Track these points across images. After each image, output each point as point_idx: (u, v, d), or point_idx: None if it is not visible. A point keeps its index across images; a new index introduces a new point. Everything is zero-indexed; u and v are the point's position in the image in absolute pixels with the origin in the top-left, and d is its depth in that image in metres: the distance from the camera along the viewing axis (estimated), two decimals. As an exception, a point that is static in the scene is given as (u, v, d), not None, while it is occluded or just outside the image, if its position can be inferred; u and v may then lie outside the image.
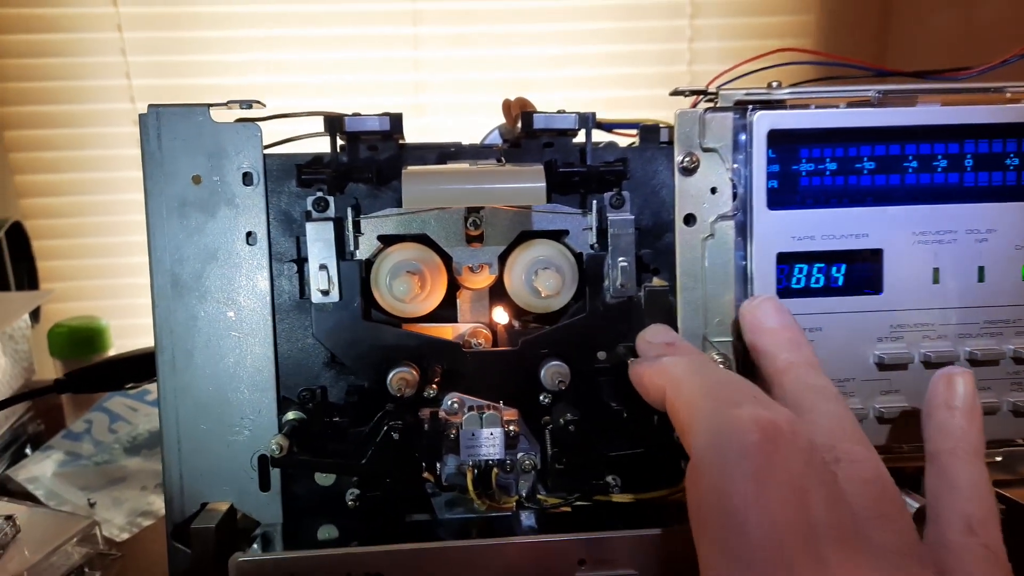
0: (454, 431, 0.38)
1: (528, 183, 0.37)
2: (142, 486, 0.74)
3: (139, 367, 0.58)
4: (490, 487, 0.39)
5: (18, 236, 1.15)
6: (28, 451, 0.81)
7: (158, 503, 0.69)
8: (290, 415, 0.40)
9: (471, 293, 0.45)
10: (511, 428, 0.39)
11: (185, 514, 0.41)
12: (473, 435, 0.38)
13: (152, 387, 0.91)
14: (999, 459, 0.43)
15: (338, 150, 0.40)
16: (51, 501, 0.69)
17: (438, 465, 0.38)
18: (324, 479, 0.42)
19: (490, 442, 0.39)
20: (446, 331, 0.43)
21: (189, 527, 0.39)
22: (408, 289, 0.38)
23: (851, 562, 0.27)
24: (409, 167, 0.37)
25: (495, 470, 0.39)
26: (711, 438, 0.29)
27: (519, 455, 0.40)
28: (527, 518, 0.41)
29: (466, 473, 0.38)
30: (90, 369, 0.57)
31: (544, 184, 0.37)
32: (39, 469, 0.75)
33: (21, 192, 1.37)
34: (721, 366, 0.40)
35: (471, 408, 0.40)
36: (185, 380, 0.41)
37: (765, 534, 0.26)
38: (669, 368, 0.35)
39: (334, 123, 0.39)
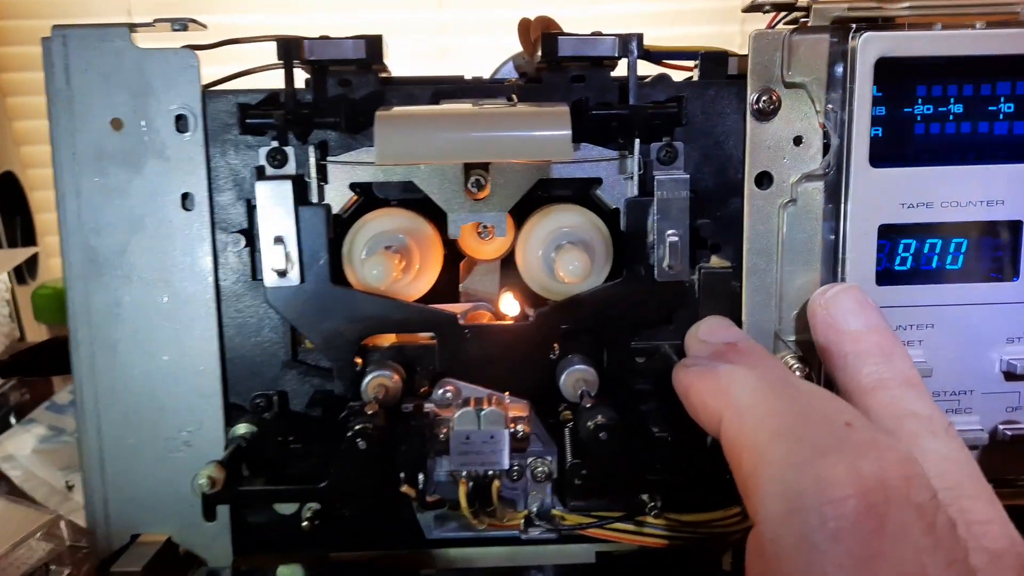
0: (445, 430, 0.29)
1: (547, 131, 0.27)
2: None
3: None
4: (490, 503, 0.30)
5: (12, 187, 1.07)
6: (12, 420, 0.74)
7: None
8: (240, 428, 0.32)
9: (477, 270, 0.35)
10: (519, 428, 0.30)
11: (112, 548, 0.33)
12: (468, 438, 0.29)
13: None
14: None
15: (295, 85, 0.30)
16: (27, 483, 0.62)
17: (421, 476, 0.29)
18: (285, 506, 0.33)
19: (490, 448, 0.30)
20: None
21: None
22: (383, 273, 0.28)
23: None
24: (384, 109, 0.27)
25: (496, 482, 0.30)
26: (787, 505, 0.21)
27: (530, 460, 0.31)
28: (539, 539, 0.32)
29: (459, 487, 0.29)
30: (39, 349, 0.49)
31: (569, 132, 0.27)
32: (17, 445, 0.68)
33: (20, 139, 1.28)
34: (801, 378, 0.30)
35: (467, 402, 0.31)
36: (108, 382, 0.32)
37: None
38: (728, 385, 0.25)
39: (291, 49, 0.29)
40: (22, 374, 0.51)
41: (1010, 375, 0.33)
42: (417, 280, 0.32)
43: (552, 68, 0.31)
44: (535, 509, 0.32)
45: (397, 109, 0.28)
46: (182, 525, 0.33)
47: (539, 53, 0.31)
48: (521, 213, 0.33)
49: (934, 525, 0.21)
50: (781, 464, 0.22)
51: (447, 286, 0.35)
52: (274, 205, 0.30)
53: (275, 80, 0.31)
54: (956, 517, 0.23)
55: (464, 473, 0.30)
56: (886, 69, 0.31)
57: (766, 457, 0.22)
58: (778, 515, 0.21)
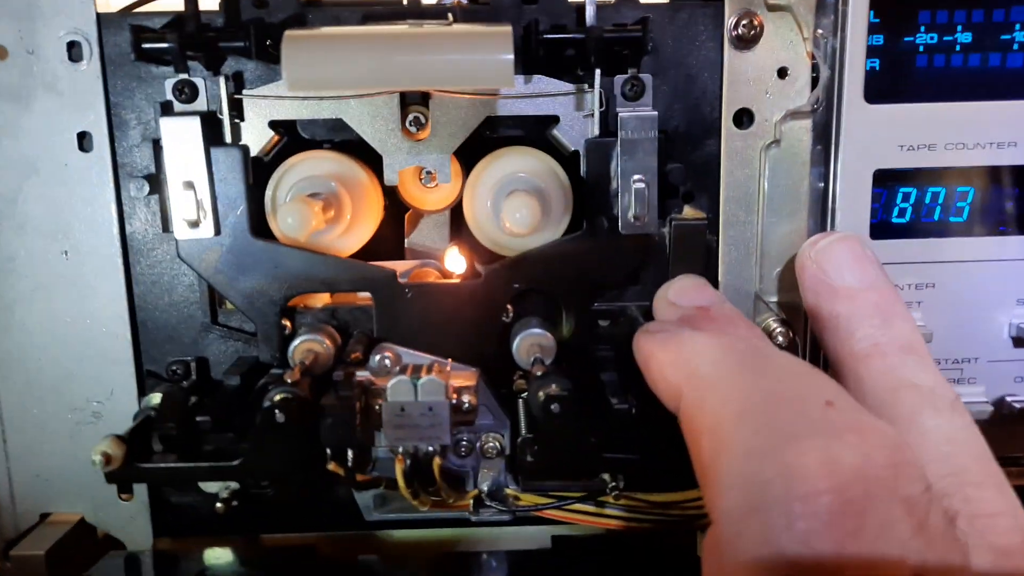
0: (380, 402, 0.26)
1: (484, 54, 0.23)
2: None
3: None
4: (432, 482, 0.27)
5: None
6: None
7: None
8: (154, 397, 0.28)
9: (424, 222, 0.31)
10: (465, 399, 0.27)
11: (19, 528, 0.30)
12: (403, 411, 0.26)
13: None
14: None
15: (199, 6, 0.26)
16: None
17: (350, 452, 0.26)
18: (209, 483, 0.30)
19: (429, 421, 0.26)
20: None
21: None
22: (299, 222, 0.25)
23: None
24: (292, 30, 0.23)
25: (438, 460, 0.27)
26: (749, 499, 0.18)
27: (480, 435, 0.28)
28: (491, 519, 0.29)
29: (395, 465, 0.26)
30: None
31: (511, 56, 0.23)
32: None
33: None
34: (780, 349, 0.26)
35: (404, 369, 0.27)
36: (5, 347, 0.29)
37: None
38: (691, 356, 0.22)
39: (190, -39, 0.25)
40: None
41: (1020, 340, 0.29)
42: (350, 233, 0.29)
43: (500, -13, 0.27)
44: (486, 488, 0.29)
45: (306, 31, 0.24)
46: (96, 504, 0.30)
47: (486, -30, 0.27)
48: (471, 157, 0.29)
49: (926, 523, 0.18)
50: (744, 451, 0.18)
51: (392, 241, 0.32)
52: (182, 145, 0.26)
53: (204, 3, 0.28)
54: (959, 508, 0.19)
55: (400, 449, 0.27)
56: (885, -10, 0.27)
57: (727, 442, 0.19)
58: (738, 512, 0.18)
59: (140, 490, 0.30)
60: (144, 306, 0.29)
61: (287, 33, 0.23)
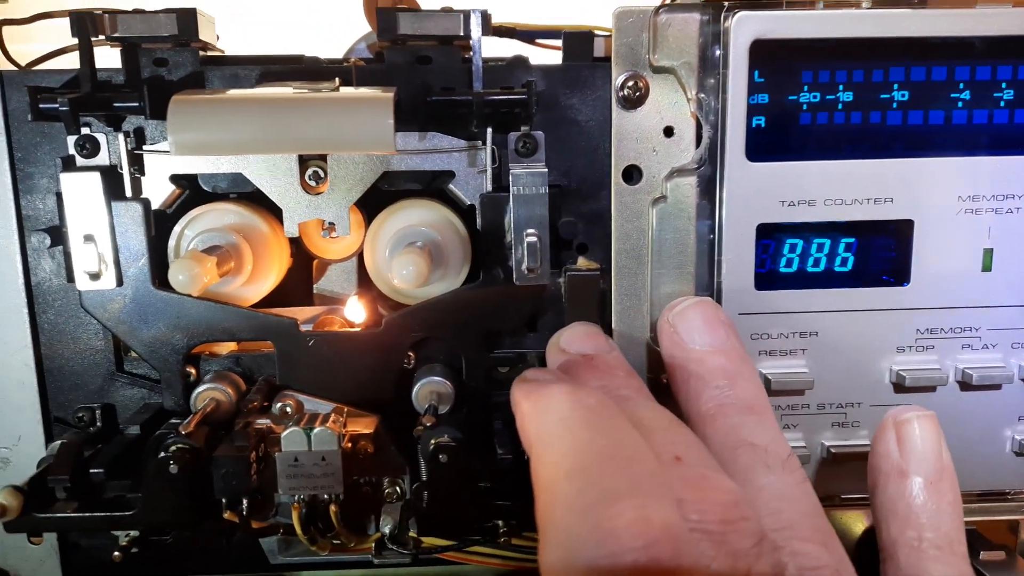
0: (278, 450, 0.27)
1: (366, 120, 0.24)
2: None
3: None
4: (332, 527, 0.28)
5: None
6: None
7: None
8: (60, 443, 0.28)
9: (331, 270, 0.32)
10: (363, 446, 0.28)
11: (-72, 573, 0.30)
12: (296, 460, 0.27)
13: None
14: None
15: (95, 64, 0.26)
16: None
17: (245, 501, 0.26)
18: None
19: (322, 470, 0.27)
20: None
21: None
22: (189, 279, 0.25)
23: None
24: (180, 94, 0.24)
25: (334, 507, 0.28)
26: (565, 555, 0.19)
27: (381, 480, 0.29)
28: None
29: (291, 512, 0.27)
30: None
31: (391, 122, 0.24)
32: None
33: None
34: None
35: (299, 419, 0.28)
36: (-89, 394, 0.29)
37: None
38: (544, 409, 0.23)
39: (85, 24, 0.26)
40: None
41: (899, 386, 0.30)
42: (253, 283, 0.30)
43: (395, 47, 0.28)
44: (387, 531, 0.30)
45: (191, 95, 0.24)
46: (6, 547, 0.30)
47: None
48: (372, 208, 0.30)
49: (750, 574, 0.19)
50: (566, 509, 0.19)
51: (302, 286, 0.32)
52: (84, 199, 0.27)
53: (103, 59, 0.28)
54: (787, 561, 0.20)
55: (296, 497, 0.27)
56: (766, 52, 0.28)
57: (556, 499, 0.20)
58: (557, 566, 0.19)
59: (49, 534, 0.30)
60: (50, 354, 0.30)
61: (174, 98, 0.24)
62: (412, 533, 0.30)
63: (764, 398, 0.25)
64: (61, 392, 0.30)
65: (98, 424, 0.29)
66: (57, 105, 0.25)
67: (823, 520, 0.22)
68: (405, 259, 0.26)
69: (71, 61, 0.29)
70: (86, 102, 0.26)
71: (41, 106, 0.26)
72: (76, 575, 0.31)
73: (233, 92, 0.25)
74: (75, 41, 0.29)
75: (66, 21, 0.28)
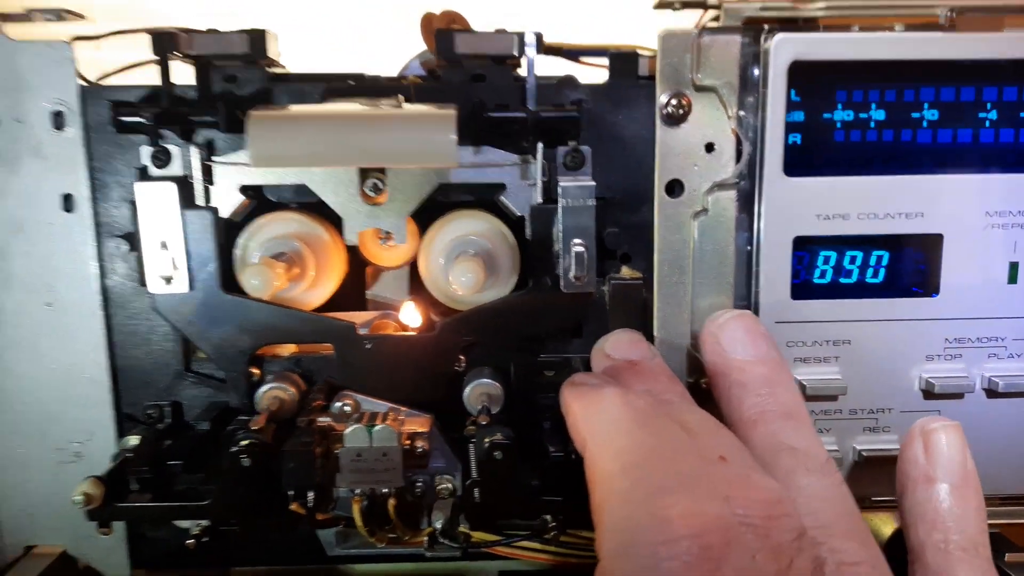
0: (339, 447, 0.28)
1: (430, 135, 0.25)
2: None
3: None
4: (388, 521, 0.29)
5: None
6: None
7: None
8: (131, 439, 0.30)
9: (384, 277, 0.34)
10: (419, 444, 0.29)
11: (5, 560, 0.32)
12: (359, 456, 0.28)
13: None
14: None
15: (172, 81, 0.28)
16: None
17: (311, 494, 0.28)
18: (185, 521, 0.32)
19: (383, 465, 0.28)
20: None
21: (-1, 581, 0.29)
22: (263, 283, 0.27)
23: None
24: (257, 110, 0.26)
25: (392, 500, 0.29)
26: (624, 540, 0.21)
27: (434, 477, 0.30)
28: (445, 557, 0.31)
29: (352, 506, 0.29)
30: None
31: (453, 136, 0.25)
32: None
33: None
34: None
35: (359, 418, 0.29)
36: (-7, 391, 0.31)
37: None
38: (597, 411, 0.24)
39: (165, 43, 0.28)
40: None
41: (928, 393, 0.31)
42: (315, 288, 0.31)
43: (451, 66, 0.30)
44: (439, 526, 0.31)
45: (268, 111, 0.26)
46: (77, 537, 0.32)
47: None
48: (426, 218, 0.32)
49: (791, 567, 0.20)
50: (623, 499, 0.21)
51: (356, 292, 0.34)
52: (157, 208, 0.29)
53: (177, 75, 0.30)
54: (827, 557, 0.22)
55: (357, 491, 0.29)
56: (803, 72, 0.29)
57: (612, 491, 0.22)
58: (614, 551, 0.21)
59: (119, 525, 0.32)
60: (122, 354, 0.31)
61: (251, 113, 0.26)
62: (463, 528, 0.32)
63: (802, 405, 0.26)
64: (131, 390, 0.32)
65: (167, 420, 0.31)
66: (141, 119, 0.27)
67: (859, 520, 0.23)
68: (464, 266, 0.28)
69: (137, 75, 0.31)
70: (167, 116, 0.28)
71: (123, 119, 0.28)
72: (142, 564, 0.33)
73: (305, 107, 0.27)
74: (142, 57, 0.31)
75: (133, 37, 0.31)
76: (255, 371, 0.31)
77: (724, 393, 0.27)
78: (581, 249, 0.29)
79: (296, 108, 0.27)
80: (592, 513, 0.22)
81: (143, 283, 0.31)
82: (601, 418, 0.24)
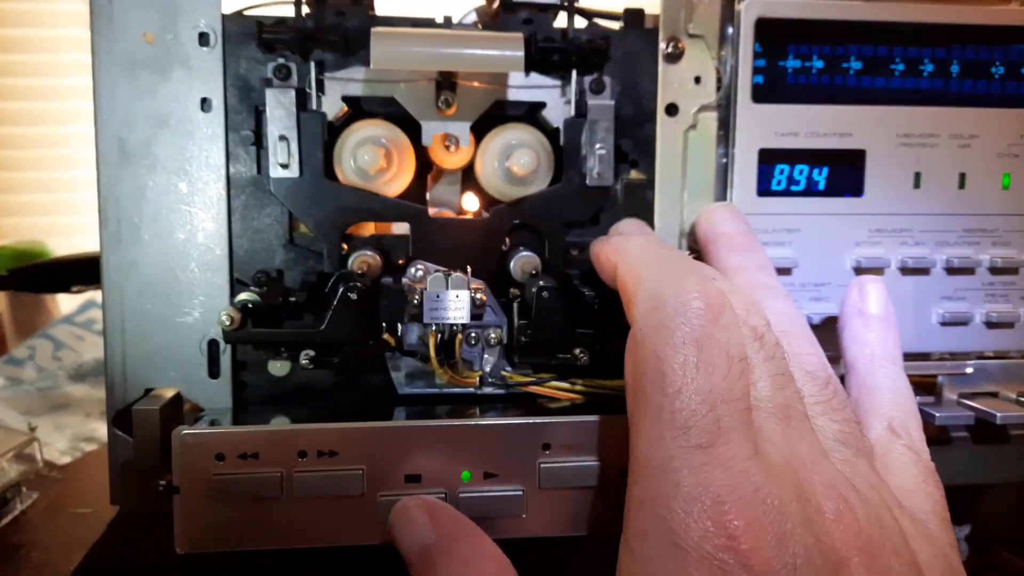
0: (418, 297, 0.36)
1: (507, 50, 0.35)
2: (86, 413, 0.71)
3: (86, 268, 0.55)
4: (453, 355, 0.37)
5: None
6: (-30, 375, 0.77)
7: (102, 430, 0.66)
8: (243, 295, 0.38)
9: (443, 179, 0.43)
10: (479, 296, 0.37)
11: (127, 400, 0.38)
12: (438, 297, 0.36)
13: (98, 314, 0.87)
14: (969, 371, 0.43)
15: (302, 14, 0.37)
16: (-10, 425, 0.66)
17: (399, 328, 0.36)
18: (278, 368, 0.40)
19: (456, 305, 0.37)
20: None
21: (131, 411, 0.36)
22: (374, 159, 0.36)
23: (787, 437, 0.27)
24: (379, 28, 0.35)
25: (459, 337, 0.37)
26: (652, 304, 0.28)
27: (485, 329, 0.38)
28: (491, 395, 0.39)
29: (428, 340, 0.36)
30: (35, 268, 0.54)
31: (523, 52, 0.35)
32: (-23, 394, 0.72)
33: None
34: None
35: (436, 270, 0.38)
36: (131, 256, 0.38)
37: (703, 399, 0.25)
38: (622, 244, 0.33)
39: (299, -19, 0.36)
40: (19, 288, 0.55)
41: (858, 270, 0.42)
42: (394, 181, 0.40)
43: (507, 11, 0.39)
44: (488, 369, 0.40)
45: (387, 28, 0.35)
46: (189, 382, 0.39)
47: (496, 2, 0.39)
48: (480, 132, 0.41)
49: (762, 336, 0.28)
50: (651, 280, 0.29)
51: (417, 195, 0.42)
52: (280, 109, 0.37)
53: (277, 12, 0.39)
54: (786, 347, 0.29)
55: (433, 327, 0.37)
56: (765, 28, 0.40)
57: (643, 278, 0.29)
58: (645, 311, 0.27)
59: (225, 373, 0.39)
60: (238, 229, 0.39)
61: (374, 30, 0.35)
62: (506, 372, 0.40)
63: (771, 263, 0.36)
64: (244, 258, 0.39)
65: (274, 281, 0.39)
66: (285, 37, 0.36)
67: (810, 331, 0.32)
68: (522, 151, 0.37)
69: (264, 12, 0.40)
70: (305, 36, 0.36)
71: (265, 36, 0.36)
72: (240, 405, 0.40)
73: (411, 29, 0.36)
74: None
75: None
76: (344, 246, 0.39)
77: (714, 254, 0.37)
78: (603, 151, 0.39)
79: (404, 28, 0.36)
80: (626, 301, 0.30)
81: (259, 171, 0.39)
82: (630, 246, 0.33)
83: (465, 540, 0.30)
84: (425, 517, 0.30)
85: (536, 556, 0.32)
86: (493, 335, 0.39)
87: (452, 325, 0.37)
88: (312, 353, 0.37)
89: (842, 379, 0.34)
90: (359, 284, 0.36)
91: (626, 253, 0.32)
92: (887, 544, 0.26)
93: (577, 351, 0.38)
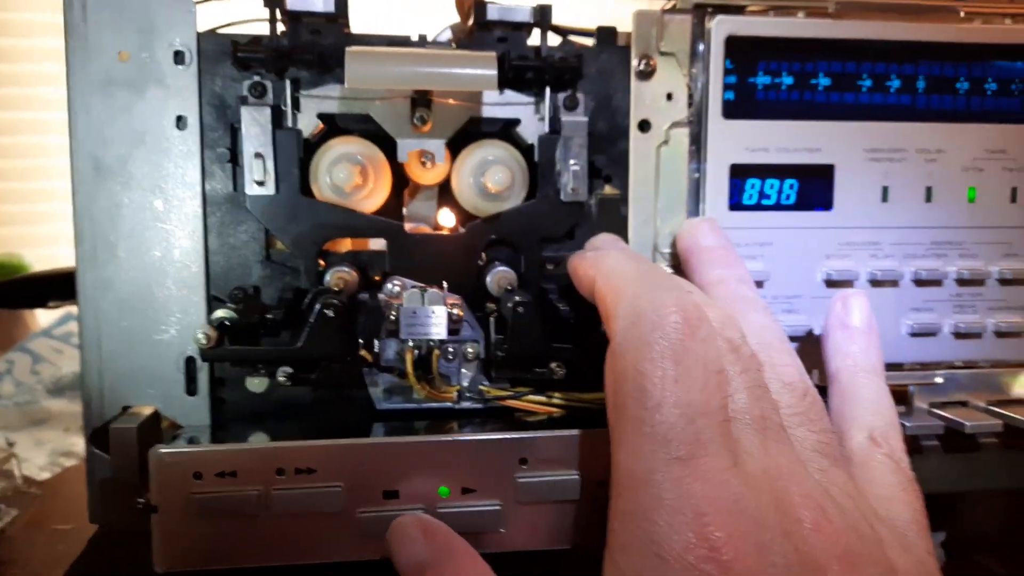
0: (394, 313, 0.37)
1: (480, 69, 0.35)
2: (65, 427, 0.71)
3: (63, 284, 0.54)
4: (430, 371, 0.38)
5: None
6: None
7: (81, 445, 0.66)
8: (219, 313, 0.38)
9: (419, 195, 0.43)
10: (455, 311, 0.38)
11: (104, 418, 0.38)
12: (415, 313, 0.37)
13: (76, 326, 0.87)
14: (939, 380, 0.44)
15: (278, 32, 0.37)
16: (-34, 440, 0.65)
17: (376, 344, 0.37)
18: (256, 385, 0.40)
19: (432, 321, 0.37)
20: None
21: (108, 429, 0.36)
22: (349, 177, 0.36)
23: (765, 448, 0.27)
24: (353, 47, 0.35)
25: (436, 352, 0.38)
26: (631, 318, 0.28)
27: (462, 344, 0.39)
28: (468, 410, 0.39)
29: (406, 356, 0.37)
30: (11, 284, 0.53)
31: (496, 70, 0.35)
32: (-46, 407, 0.71)
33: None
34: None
35: (413, 286, 0.38)
36: (107, 273, 0.38)
37: (682, 412, 0.26)
38: (599, 260, 0.34)
39: (274, 0, 0.37)
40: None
41: (829, 282, 0.42)
42: (370, 197, 0.40)
43: (481, 29, 0.40)
44: (465, 384, 0.40)
45: (361, 47, 0.35)
46: (167, 399, 0.39)
47: (471, 21, 0.40)
48: (455, 148, 0.41)
49: (738, 349, 0.28)
50: (630, 295, 0.29)
51: (394, 210, 0.43)
52: (255, 127, 0.37)
53: (252, 29, 0.39)
54: (764, 362, 0.30)
55: (410, 343, 0.37)
56: (735, 45, 0.41)
57: (622, 292, 0.30)
58: (624, 325, 0.28)
59: (202, 390, 0.39)
60: (214, 246, 0.39)
61: (348, 49, 0.35)
62: (483, 387, 0.40)
63: (750, 276, 0.37)
64: (220, 275, 0.39)
65: (250, 297, 0.39)
66: (260, 55, 0.36)
67: (788, 343, 0.33)
68: (496, 169, 0.37)
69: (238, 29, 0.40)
70: (274, 54, 0.36)
71: (240, 55, 0.36)
72: (218, 422, 0.40)
73: (385, 48, 0.37)
74: (239, 16, 0.40)
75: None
76: (321, 262, 0.40)
77: (695, 267, 0.38)
78: (577, 167, 0.39)
79: (379, 47, 0.37)
80: (605, 315, 0.31)
81: (235, 188, 0.39)
82: (608, 259, 0.33)
83: (457, 559, 0.30)
84: (420, 535, 0.31)
85: (517, 572, 0.33)
86: (470, 350, 0.39)
87: (429, 341, 0.37)
88: (290, 370, 0.37)
89: (823, 390, 0.35)
90: (336, 301, 0.36)
91: (603, 268, 0.33)
92: (865, 552, 0.26)
93: (554, 365, 0.38)
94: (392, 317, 0.37)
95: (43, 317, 0.96)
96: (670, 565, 0.24)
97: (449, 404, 0.40)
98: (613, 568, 0.27)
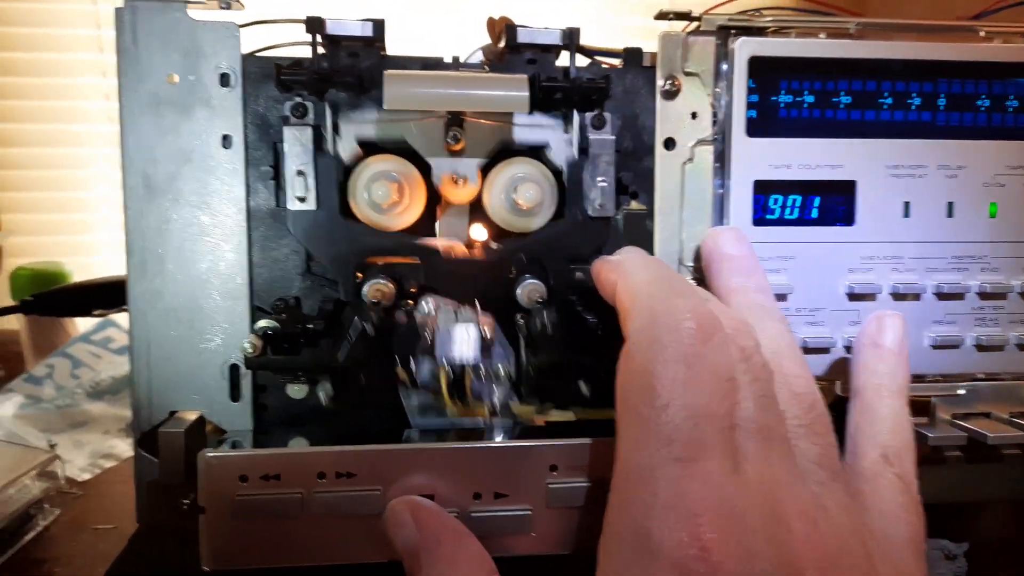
0: (429, 332, 0.38)
1: (512, 91, 0.37)
2: (105, 430, 0.73)
3: (108, 293, 0.57)
4: (463, 392, 0.39)
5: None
6: (-9, 393, 0.79)
7: (121, 446, 0.68)
8: (262, 323, 0.40)
9: (451, 211, 0.44)
10: (487, 332, 0.39)
11: (152, 423, 0.40)
12: (449, 334, 0.38)
13: (114, 332, 0.89)
14: (961, 392, 0.44)
15: (318, 54, 0.39)
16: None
17: (412, 363, 0.38)
18: (297, 391, 0.41)
19: (465, 340, 0.38)
20: (423, 246, 0.42)
21: (156, 433, 0.38)
22: (387, 194, 0.38)
23: (766, 457, 0.28)
24: (391, 70, 0.37)
25: (469, 373, 0.39)
26: (646, 321, 0.29)
27: (493, 363, 0.40)
28: (499, 426, 0.41)
29: (440, 376, 0.38)
30: (58, 292, 0.56)
31: (527, 92, 0.37)
32: (-1, 411, 0.74)
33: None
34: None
35: (447, 306, 0.39)
36: (156, 285, 0.40)
37: (688, 415, 0.27)
38: (621, 262, 0.35)
39: (315, 25, 0.38)
40: (42, 312, 0.57)
41: (851, 296, 0.43)
42: (406, 213, 0.42)
43: (512, 51, 0.41)
44: (497, 402, 0.41)
45: (399, 71, 0.37)
46: (211, 404, 0.40)
47: (502, 43, 0.41)
48: (486, 167, 0.43)
49: (750, 358, 0.29)
50: (647, 297, 0.31)
51: (427, 225, 0.44)
52: (297, 144, 0.39)
53: (291, 53, 0.41)
54: (775, 369, 0.30)
55: (444, 363, 0.39)
56: (758, 65, 0.42)
57: (639, 294, 0.31)
58: (639, 327, 0.29)
59: (245, 396, 0.41)
60: (257, 259, 0.41)
61: (387, 72, 0.37)
62: (513, 405, 0.42)
63: (769, 286, 0.38)
64: (263, 286, 0.41)
65: (292, 308, 0.40)
66: (302, 77, 0.38)
67: (800, 352, 0.33)
68: (527, 186, 0.39)
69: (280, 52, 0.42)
70: (321, 76, 0.38)
71: (283, 78, 0.38)
72: (260, 427, 0.42)
73: (422, 71, 0.38)
74: (281, 39, 0.42)
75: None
76: (359, 274, 0.41)
77: (716, 274, 0.39)
78: (605, 184, 0.41)
79: (417, 71, 0.38)
80: (622, 316, 0.32)
81: (277, 203, 0.41)
82: (628, 264, 0.34)
83: (448, 540, 0.31)
84: (410, 519, 0.31)
85: (542, 571, 0.34)
86: (501, 371, 0.41)
87: (462, 363, 0.39)
88: (331, 390, 0.39)
89: (844, 401, 0.36)
90: (374, 317, 0.37)
91: (625, 271, 0.34)
92: (849, 565, 0.27)
93: (581, 382, 0.40)
94: (427, 336, 0.39)
95: (82, 323, 0.99)
96: (660, 561, 0.25)
97: (481, 422, 0.41)
98: (606, 558, 0.28)
